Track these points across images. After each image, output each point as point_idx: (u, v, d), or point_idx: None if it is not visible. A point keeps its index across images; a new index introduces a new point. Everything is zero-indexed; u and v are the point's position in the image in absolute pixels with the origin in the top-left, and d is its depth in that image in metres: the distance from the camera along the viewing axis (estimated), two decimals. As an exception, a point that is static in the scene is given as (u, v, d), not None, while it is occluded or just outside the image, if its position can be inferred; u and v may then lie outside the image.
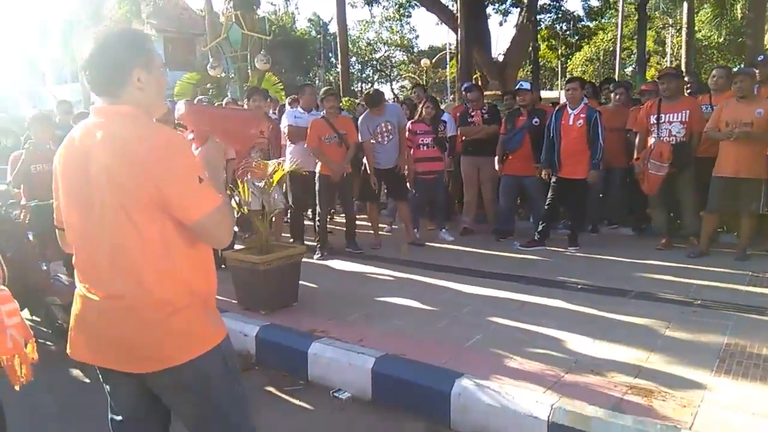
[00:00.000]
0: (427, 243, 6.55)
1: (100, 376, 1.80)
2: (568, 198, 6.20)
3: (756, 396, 2.80)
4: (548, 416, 2.67)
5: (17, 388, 2.01)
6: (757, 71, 5.58)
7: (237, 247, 5.11)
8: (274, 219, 5.68)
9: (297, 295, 4.53)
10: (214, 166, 1.82)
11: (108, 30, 1.67)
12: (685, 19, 16.96)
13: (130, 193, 1.55)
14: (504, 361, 3.33)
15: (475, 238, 6.79)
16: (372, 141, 6.32)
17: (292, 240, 6.15)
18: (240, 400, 1.79)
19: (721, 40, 22.80)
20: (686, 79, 6.98)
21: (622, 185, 6.77)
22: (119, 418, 1.82)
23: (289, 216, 7.04)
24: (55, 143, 5.28)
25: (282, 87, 12.75)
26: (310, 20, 42.79)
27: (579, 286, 4.77)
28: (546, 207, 6.18)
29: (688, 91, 6.84)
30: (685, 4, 16.93)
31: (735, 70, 5.72)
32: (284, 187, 6.34)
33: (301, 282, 4.65)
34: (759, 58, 6.31)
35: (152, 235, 1.59)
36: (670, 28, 28.50)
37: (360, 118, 6.63)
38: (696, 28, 21.20)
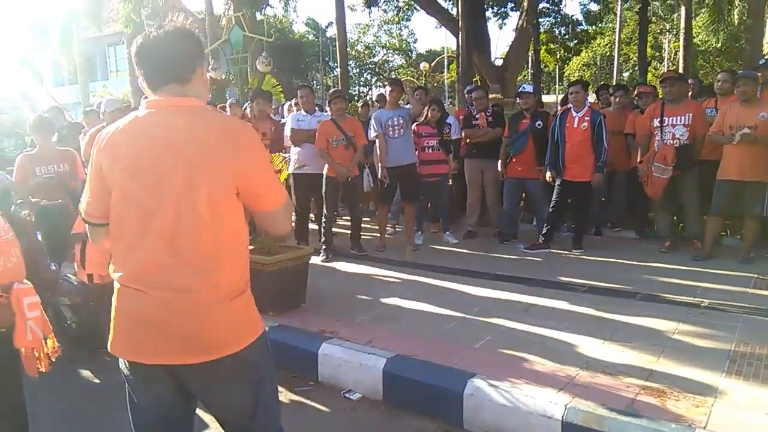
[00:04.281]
0: (431, 245, 6.56)
1: (135, 376, 1.71)
2: (573, 200, 6.22)
3: (768, 396, 2.82)
4: (562, 416, 2.68)
5: (36, 374, 2.04)
6: (759, 74, 5.61)
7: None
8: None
9: (305, 296, 4.53)
10: None
11: (176, 27, 1.73)
12: (683, 24, 17.02)
13: (219, 182, 1.60)
14: (514, 361, 3.33)
15: (478, 241, 6.79)
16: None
17: (297, 242, 6.15)
18: (276, 392, 1.86)
19: (718, 45, 22.94)
20: (689, 81, 7.00)
21: (625, 188, 6.80)
22: (150, 420, 1.75)
23: (294, 218, 7.03)
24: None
25: (281, 89, 12.79)
26: (306, 24, 42.89)
27: (585, 288, 4.78)
28: (550, 210, 6.19)
29: (690, 94, 6.87)
30: (683, 9, 17.02)
31: (738, 73, 5.74)
32: (287, 188, 6.32)
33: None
34: (761, 62, 6.36)
35: (230, 224, 1.65)
36: (668, 33, 28.66)
37: (372, 115, 6.60)
38: (693, 33, 21.30)
